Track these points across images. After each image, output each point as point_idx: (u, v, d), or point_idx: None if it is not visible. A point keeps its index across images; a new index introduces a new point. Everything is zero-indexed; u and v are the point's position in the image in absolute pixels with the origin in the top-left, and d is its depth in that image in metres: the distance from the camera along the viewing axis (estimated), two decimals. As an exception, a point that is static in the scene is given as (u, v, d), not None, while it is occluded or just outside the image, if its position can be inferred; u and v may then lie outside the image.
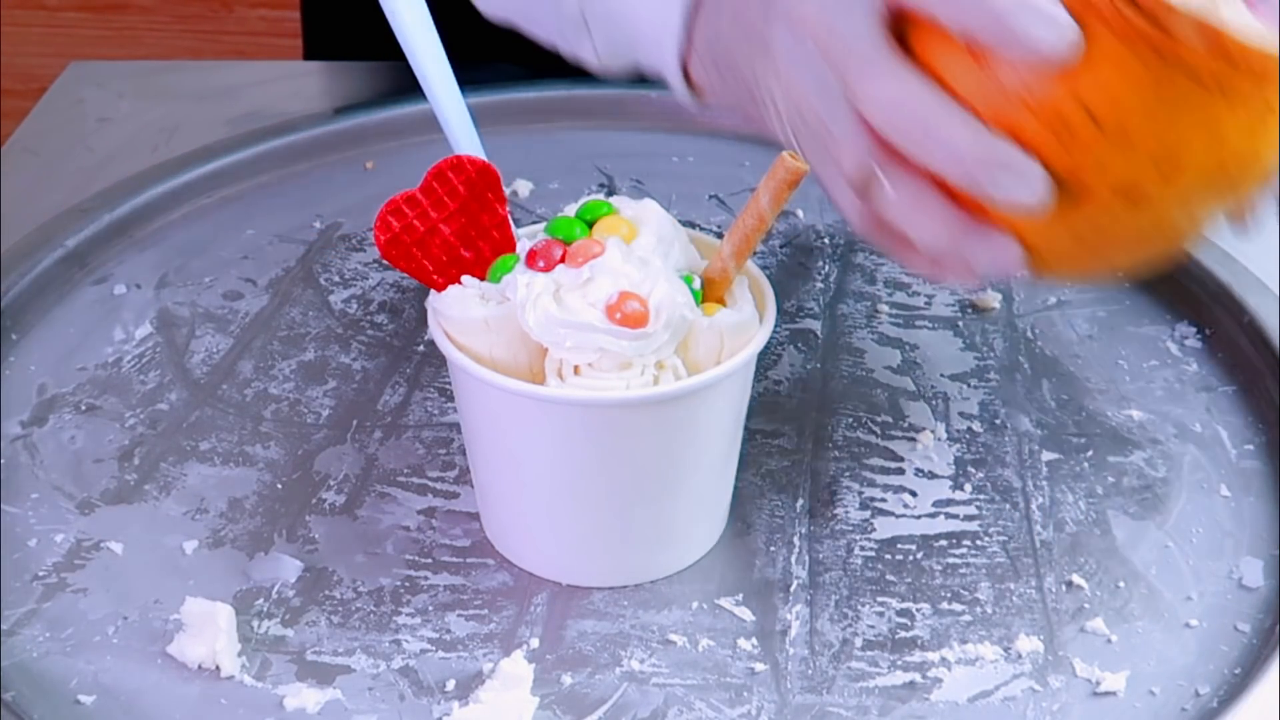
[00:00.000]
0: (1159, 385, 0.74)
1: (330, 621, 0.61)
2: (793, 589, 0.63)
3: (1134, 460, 0.69)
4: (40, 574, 0.63)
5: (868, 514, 0.66)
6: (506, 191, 0.69)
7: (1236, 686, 0.58)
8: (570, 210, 0.62)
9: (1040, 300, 0.80)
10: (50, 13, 2.03)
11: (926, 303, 0.80)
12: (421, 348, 0.76)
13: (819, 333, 0.78)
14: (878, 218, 0.60)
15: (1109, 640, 0.60)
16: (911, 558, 0.64)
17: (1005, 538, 0.65)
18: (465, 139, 0.67)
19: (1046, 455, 0.70)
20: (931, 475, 0.68)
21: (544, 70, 0.89)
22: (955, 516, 0.66)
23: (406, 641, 0.60)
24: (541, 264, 0.59)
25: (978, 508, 0.67)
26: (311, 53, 1.14)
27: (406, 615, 0.61)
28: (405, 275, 0.67)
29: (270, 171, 0.90)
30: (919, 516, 0.66)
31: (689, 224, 0.67)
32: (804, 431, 0.71)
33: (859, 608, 0.62)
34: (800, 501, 0.67)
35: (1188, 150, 0.55)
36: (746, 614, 0.62)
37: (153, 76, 1.03)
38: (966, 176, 0.56)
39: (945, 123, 0.56)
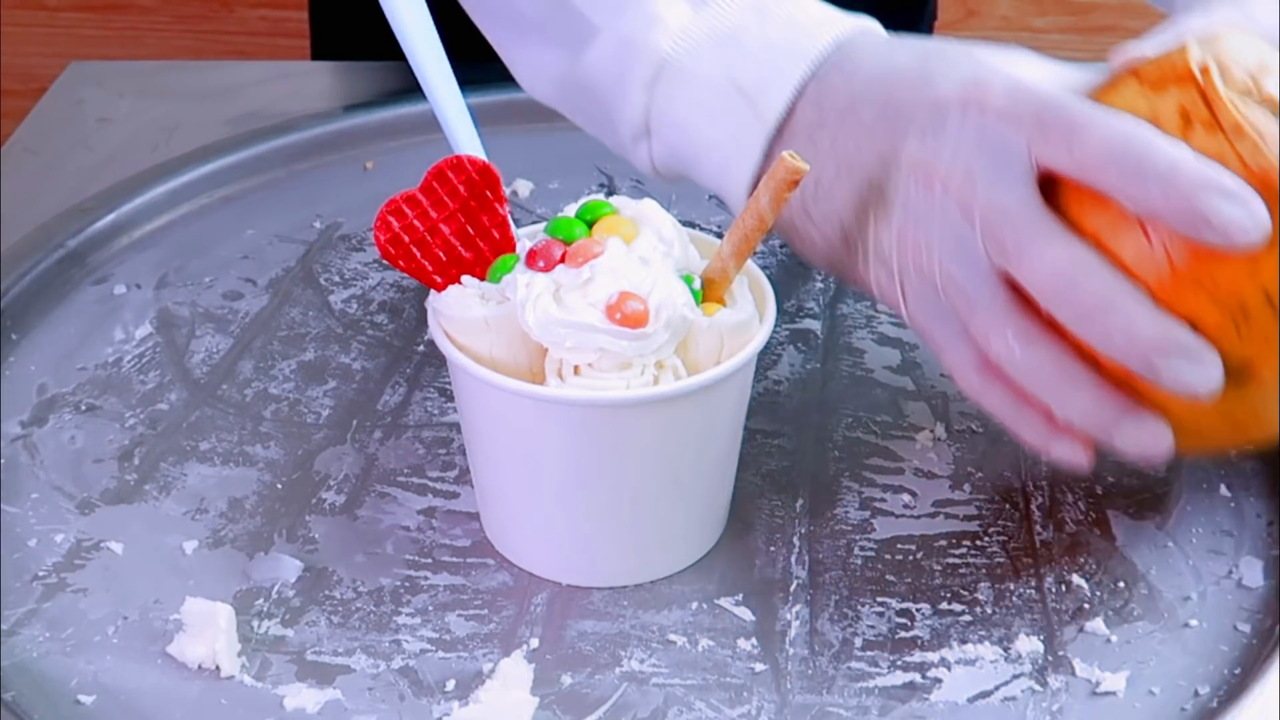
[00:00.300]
0: (1159, 385, 0.74)
1: (330, 621, 0.61)
2: (793, 589, 0.63)
3: (1134, 460, 0.69)
4: (40, 574, 0.63)
5: (867, 514, 0.66)
6: (506, 191, 0.69)
7: (1236, 686, 0.58)
8: (570, 210, 0.61)
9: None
10: (50, 13, 2.03)
11: (926, 303, 0.80)
12: (421, 348, 0.76)
13: (819, 333, 0.78)
14: (997, 381, 0.58)
15: (1109, 640, 0.60)
16: (911, 558, 0.64)
17: (1005, 538, 0.65)
18: (465, 139, 0.67)
19: (1046, 455, 0.70)
20: (931, 475, 0.68)
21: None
22: (955, 516, 0.66)
23: (406, 641, 0.60)
24: (541, 264, 0.59)
25: (977, 508, 0.67)
26: (319, 53, 1.14)
27: (406, 615, 0.61)
28: (405, 275, 0.66)
29: (270, 171, 0.90)
30: (919, 516, 0.66)
31: (689, 224, 0.66)
32: (804, 431, 0.71)
33: (859, 608, 0.62)
34: (800, 501, 0.67)
35: None
36: (746, 614, 0.62)
37: (153, 76, 1.03)
38: (1140, 360, 0.54)
39: (1122, 302, 0.53)
